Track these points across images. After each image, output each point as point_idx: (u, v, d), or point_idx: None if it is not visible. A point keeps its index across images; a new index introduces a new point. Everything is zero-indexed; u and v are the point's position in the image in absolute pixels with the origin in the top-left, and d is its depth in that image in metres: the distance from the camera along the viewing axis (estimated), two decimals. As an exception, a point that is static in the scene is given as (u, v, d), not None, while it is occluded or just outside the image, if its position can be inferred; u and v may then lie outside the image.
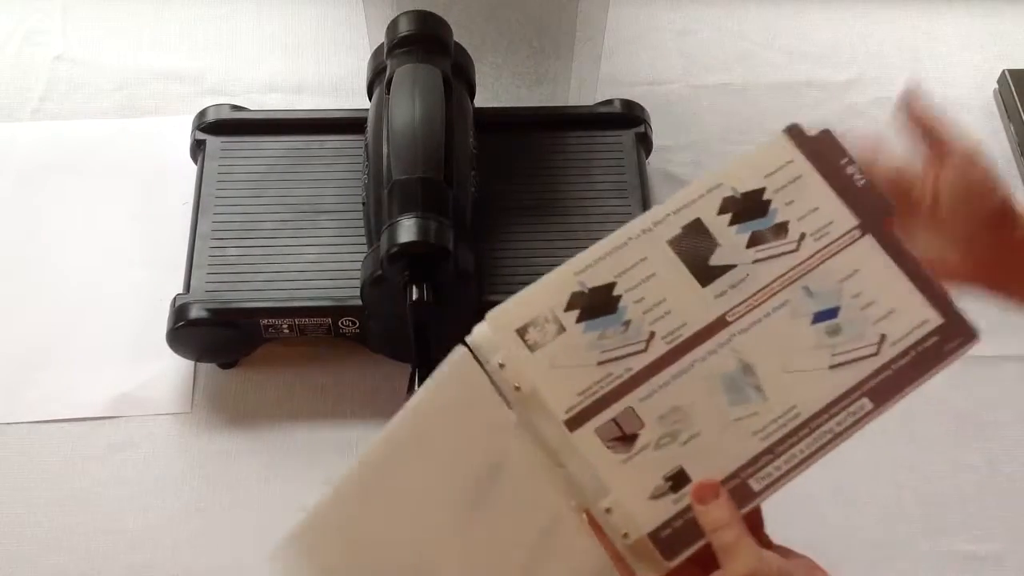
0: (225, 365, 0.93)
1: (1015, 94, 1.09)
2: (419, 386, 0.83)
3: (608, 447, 0.57)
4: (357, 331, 0.89)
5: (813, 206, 0.63)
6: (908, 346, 0.59)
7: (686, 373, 0.59)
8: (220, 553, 0.84)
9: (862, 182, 0.63)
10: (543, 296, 0.60)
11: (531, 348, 0.59)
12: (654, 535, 0.55)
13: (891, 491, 0.89)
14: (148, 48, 1.14)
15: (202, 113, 1.01)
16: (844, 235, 0.62)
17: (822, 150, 0.64)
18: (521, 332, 0.59)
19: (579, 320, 0.60)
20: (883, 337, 0.59)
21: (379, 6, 0.98)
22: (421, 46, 0.92)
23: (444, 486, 0.59)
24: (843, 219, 0.63)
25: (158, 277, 0.95)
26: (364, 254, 0.86)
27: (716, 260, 0.62)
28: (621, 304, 0.61)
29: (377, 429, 0.89)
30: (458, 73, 0.94)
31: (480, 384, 0.59)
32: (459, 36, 0.95)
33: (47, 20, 1.16)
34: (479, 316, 0.88)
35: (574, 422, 0.57)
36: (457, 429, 0.60)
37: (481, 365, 0.59)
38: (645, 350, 0.59)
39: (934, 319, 0.60)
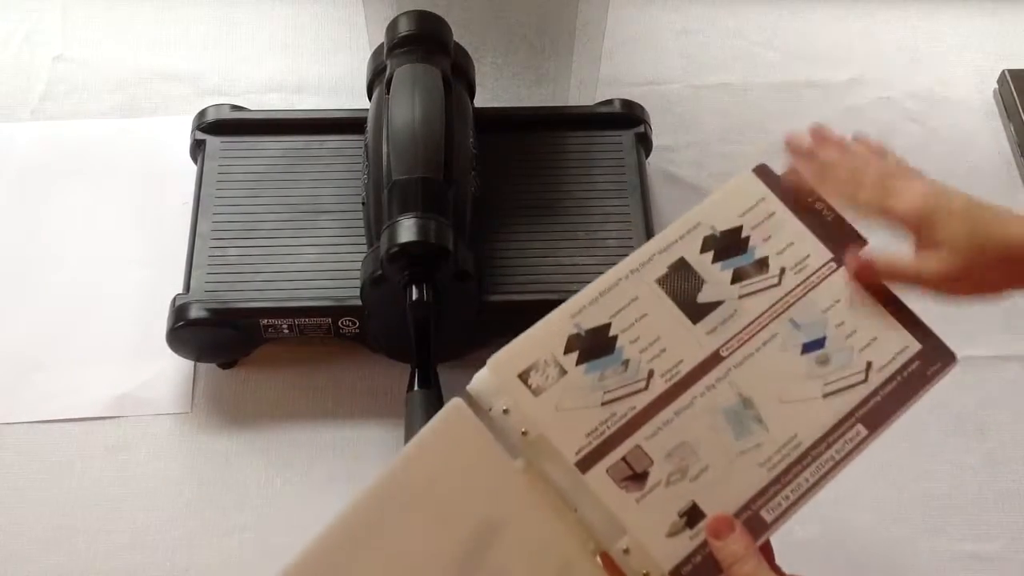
0: (225, 365, 0.92)
1: (1015, 94, 1.09)
2: (418, 386, 0.84)
3: (620, 487, 0.57)
4: (357, 331, 0.89)
5: (789, 241, 0.66)
6: (894, 371, 0.62)
7: (688, 409, 0.60)
8: (220, 553, 0.84)
9: (831, 216, 0.65)
10: (541, 340, 0.61)
11: (535, 392, 0.59)
12: (675, 573, 0.55)
13: (891, 491, 0.89)
14: (148, 48, 1.14)
15: (202, 113, 1.01)
16: (821, 267, 0.65)
17: (791, 187, 0.66)
18: (523, 377, 0.60)
19: (579, 362, 0.61)
20: (869, 364, 0.62)
21: (379, 6, 0.98)
22: (421, 46, 0.92)
23: (436, 548, 0.56)
24: (818, 253, 0.66)
25: (158, 277, 0.95)
26: (364, 254, 0.86)
27: (704, 297, 0.64)
28: (618, 344, 0.62)
29: (377, 429, 0.90)
30: (458, 73, 0.94)
31: (479, 435, 0.57)
32: (459, 36, 0.95)
33: (47, 20, 1.16)
34: (479, 316, 0.88)
35: (584, 464, 0.57)
36: (453, 484, 0.58)
37: (481, 412, 0.58)
38: (646, 388, 0.60)
39: (913, 345, 0.62)
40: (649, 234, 0.93)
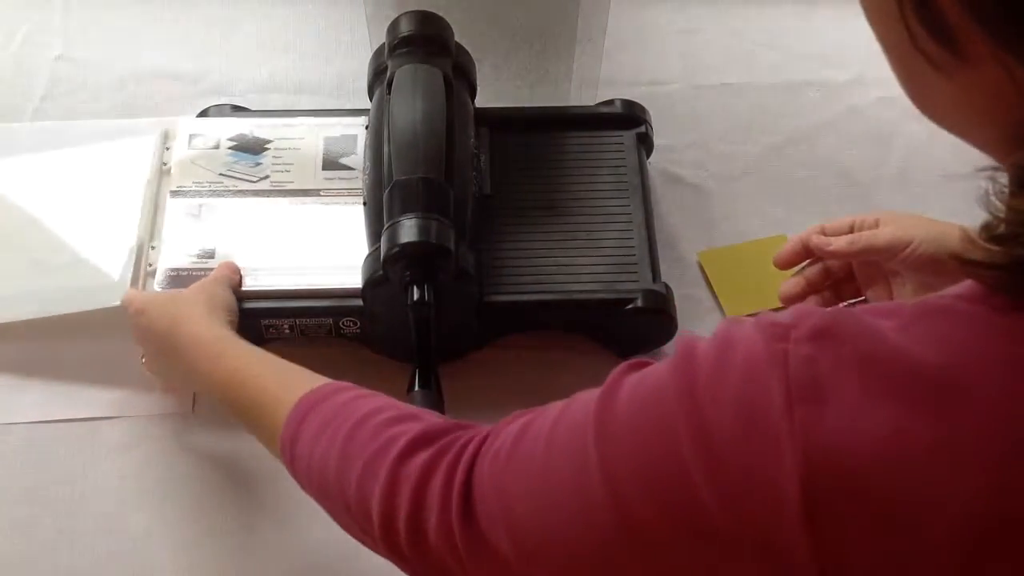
0: (226, 365, 0.92)
1: (1015, 94, 1.09)
2: (419, 386, 0.84)
3: (185, 216, 0.91)
4: (358, 331, 0.89)
5: None
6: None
7: (272, 204, 0.93)
8: (222, 553, 0.84)
9: None
10: (223, 124, 0.97)
11: (192, 146, 0.96)
12: (172, 271, 0.89)
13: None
14: (148, 48, 1.14)
15: (203, 113, 1.01)
16: None
17: None
18: (192, 137, 0.96)
19: (231, 147, 0.95)
20: None
21: (380, 6, 0.99)
22: (422, 46, 0.92)
23: None
24: None
25: (159, 277, 0.95)
26: (366, 253, 0.86)
27: (345, 161, 0.95)
28: (265, 152, 0.95)
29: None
30: (459, 73, 0.94)
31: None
32: (460, 36, 0.95)
33: (48, 20, 1.16)
34: (479, 316, 0.88)
35: (176, 194, 0.93)
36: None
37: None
38: (256, 182, 0.93)
39: None
40: (650, 234, 0.93)
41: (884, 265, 0.80)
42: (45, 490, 0.86)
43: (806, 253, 0.84)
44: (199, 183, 0.93)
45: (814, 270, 0.85)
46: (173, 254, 0.89)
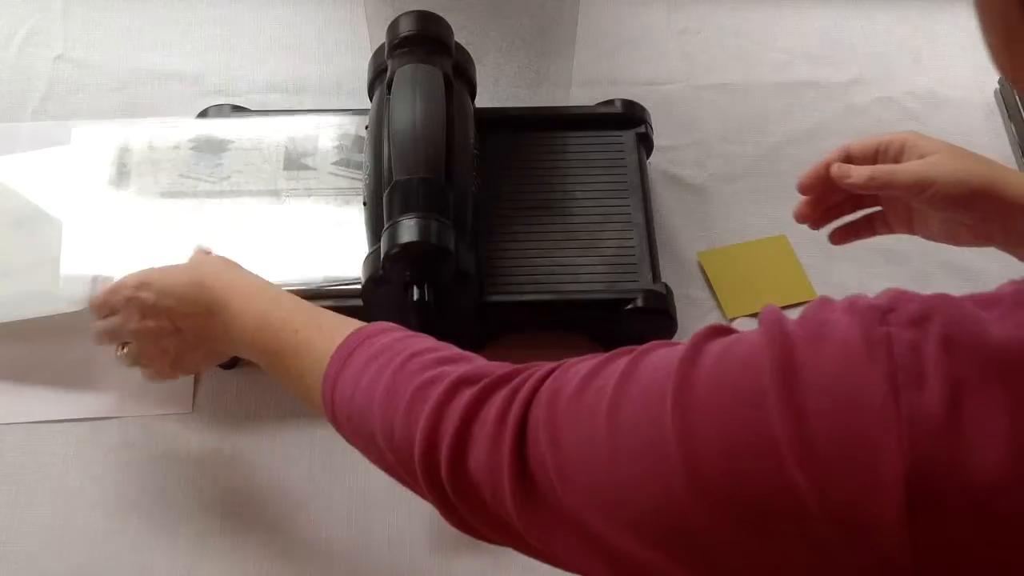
0: (226, 365, 0.92)
1: (1016, 94, 1.09)
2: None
3: (141, 221, 0.92)
4: (358, 331, 0.89)
5: None
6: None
7: (229, 205, 0.93)
8: (222, 553, 0.84)
9: None
10: (186, 127, 0.97)
11: (152, 149, 0.95)
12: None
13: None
14: (148, 48, 1.14)
15: (203, 113, 1.01)
16: None
17: None
18: (153, 138, 0.96)
19: (192, 148, 0.95)
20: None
21: (380, 6, 0.98)
22: (422, 46, 0.92)
23: None
24: None
25: (159, 277, 0.95)
26: (365, 250, 0.87)
27: (307, 161, 0.95)
28: (227, 153, 0.95)
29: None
30: (459, 73, 0.94)
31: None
32: (459, 36, 0.95)
33: (48, 20, 1.16)
34: (479, 316, 0.88)
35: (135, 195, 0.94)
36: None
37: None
38: (216, 183, 0.93)
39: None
40: (650, 234, 0.93)
41: (906, 200, 0.76)
42: (45, 490, 0.86)
43: (830, 180, 0.77)
44: (159, 184, 0.93)
45: (837, 196, 0.80)
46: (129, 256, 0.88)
